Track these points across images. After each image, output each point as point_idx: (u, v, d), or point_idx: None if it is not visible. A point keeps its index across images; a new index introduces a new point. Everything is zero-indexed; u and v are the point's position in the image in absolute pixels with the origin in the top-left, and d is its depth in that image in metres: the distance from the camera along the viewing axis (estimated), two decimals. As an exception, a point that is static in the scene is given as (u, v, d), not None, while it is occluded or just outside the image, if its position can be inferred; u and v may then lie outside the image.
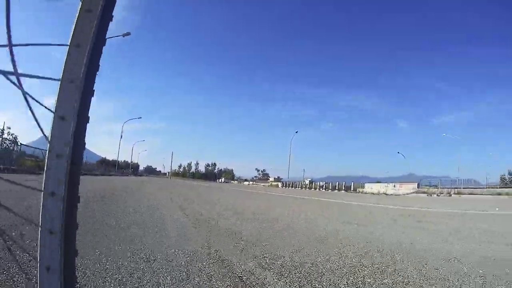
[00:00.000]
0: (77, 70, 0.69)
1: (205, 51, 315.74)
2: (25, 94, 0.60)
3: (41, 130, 0.66)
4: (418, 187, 33.86)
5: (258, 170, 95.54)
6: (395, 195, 31.54)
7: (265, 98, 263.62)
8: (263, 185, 61.16)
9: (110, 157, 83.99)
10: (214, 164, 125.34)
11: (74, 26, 0.71)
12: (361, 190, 39.89)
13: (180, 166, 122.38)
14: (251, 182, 72.91)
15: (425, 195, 28.56)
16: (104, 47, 0.75)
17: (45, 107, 0.67)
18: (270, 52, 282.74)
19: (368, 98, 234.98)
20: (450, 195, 26.85)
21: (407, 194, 31.74)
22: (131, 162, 74.55)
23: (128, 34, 41.38)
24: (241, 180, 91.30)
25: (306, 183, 54.17)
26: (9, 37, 0.55)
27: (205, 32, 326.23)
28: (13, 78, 0.57)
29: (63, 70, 0.70)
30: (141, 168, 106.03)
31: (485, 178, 30.20)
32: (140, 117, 67.70)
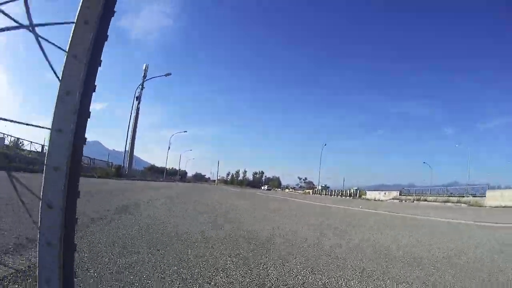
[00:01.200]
0: (74, 82, 0.70)
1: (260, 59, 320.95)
2: (39, 40, 0.61)
3: (53, 70, 0.66)
4: (399, 195, 38.73)
5: (300, 178, 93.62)
6: (380, 200, 37.30)
7: (320, 103, 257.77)
8: (299, 192, 65.28)
9: (160, 164, 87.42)
10: (262, 172, 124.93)
11: (71, 34, 0.71)
12: (364, 196, 46.62)
13: (228, 174, 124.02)
14: (291, 190, 74.37)
15: (397, 201, 34.41)
16: (102, 60, 0.75)
17: (57, 46, 0.80)
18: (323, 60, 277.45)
19: (420, 106, 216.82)
20: (413, 202, 31.65)
21: (387, 200, 37.08)
22: (179, 169, 76.75)
23: (169, 74, 43.24)
24: (284, 188, 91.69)
25: (350, 191, 56.91)
26: None
27: (260, 40, 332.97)
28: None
29: (60, 81, 0.70)
30: (189, 175, 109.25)
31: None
32: (186, 131, 70.05)
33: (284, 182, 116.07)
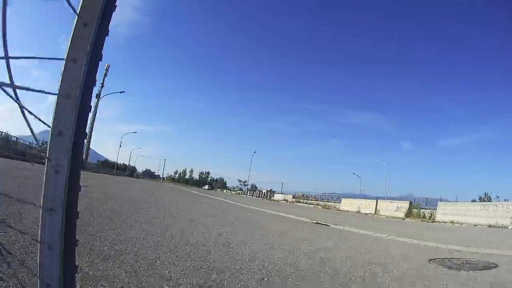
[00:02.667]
0: (74, 85, 0.70)
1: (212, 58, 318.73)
2: (22, 107, 0.60)
3: (36, 140, 0.83)
4: (292, 197, 46.95)
5: (240, 181, 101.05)
6: (277, 200, 45.76)
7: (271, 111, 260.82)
8: (232, 193, 70.32)
9: (112, 158, 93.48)
10: (208, 173, 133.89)
11: (70, 40, 0.72)
12: (272, 198, 54.51)
13: (176, 172, 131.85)
14: (230, 191, 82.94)
15: (285, 201, 41.63)
16: (100, 62, 0.76)
17: (43, 122, 0.68)
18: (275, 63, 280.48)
19: (376, 118, 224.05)
20: (293, 202, 39.86)
21: (281, 200, 45.85)
22: (129, 165, 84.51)
23: (123, 92, 46.31)
24: (227, 189, 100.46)
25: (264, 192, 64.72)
26: (6, 49, 0.55)
27: (213, 38, 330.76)
28: (10, 90, 0.57)
29: (60, 85, 0.70)
30: (139, 171, 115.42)
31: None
32: (136, 132, 78.77)
33: (230, 184, 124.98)
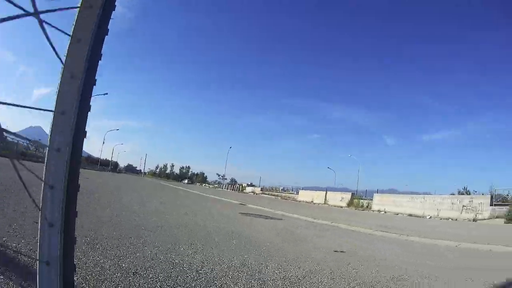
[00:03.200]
0: (78, 64, 0.71)
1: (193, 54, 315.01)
2: (41, 22, 0.67)
3: (56, 54, 0.72)
4: (261, 190, 52.06)
5: (219, 175, 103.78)
6: (247, 192, 49.07)
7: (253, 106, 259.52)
8: (210, 187, 71.39)
9: (94, 153, 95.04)
10: (188, 167, 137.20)
11: (75, 19, 0.72)
12: (245, 190, 59.28)
13: (157, 167, 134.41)
14: (208, 185, 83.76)
15: (253, 193, 46.50)
16: (105, 40, 0.76)
17: (61, 31, 0.74)
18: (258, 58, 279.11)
19: (358, 113, 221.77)
20: (261, 194, 44.76)
21: (250, 192, 50.62)
22: (111, 160, 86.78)
23: (106, 93, 46.03)
24: (207, 183, 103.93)
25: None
26: None
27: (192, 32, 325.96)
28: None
29: (64, 64, 0.70)
30: (121, 166, 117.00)
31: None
32: (118, 129, 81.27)
33: (210, 178, 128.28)
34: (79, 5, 0.71)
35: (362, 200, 26.62)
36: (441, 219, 16.23)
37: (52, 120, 0.71)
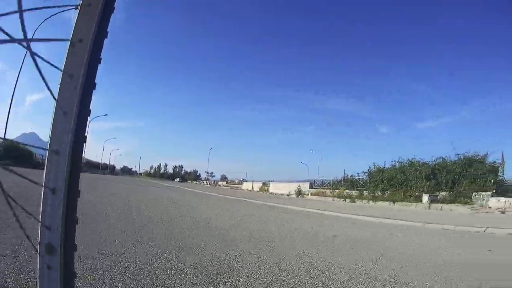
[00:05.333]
0: (78, 64, 0.70)
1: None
2: (33, 55, 0.59)
3: (51, 93, 0.68)
4: (221, 179, 70.22)
5: (207, 173, 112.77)
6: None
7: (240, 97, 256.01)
8: (196, 183, 77.44)
9: (92, 157, 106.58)
10: (181, 166, 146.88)
11: (75, 20, 0.70)
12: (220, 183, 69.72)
13: (151, 168, 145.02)
14: (196, 182, 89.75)
15: (208, 184, 62.77)
16: (106, 41, 0.75)
17: (54, 66, 0.69)
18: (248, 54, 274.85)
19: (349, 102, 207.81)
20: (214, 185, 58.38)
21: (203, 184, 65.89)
22: (109, 163, 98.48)
23: (106, 115, 49.78)
24: (200, 180, 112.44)
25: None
26: (20, 2, 0.54)
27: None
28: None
29: (64, 64, 0.69)
30: (118, 168, 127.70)
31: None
32: (115, 137, 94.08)
33: (203, 176, 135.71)
34: (70, 37, 0.70)
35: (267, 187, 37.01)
36: (282, 194, 27.45)
37: (52, 125, 0.69)
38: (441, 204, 14.03)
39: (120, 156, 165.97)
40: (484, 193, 14.26)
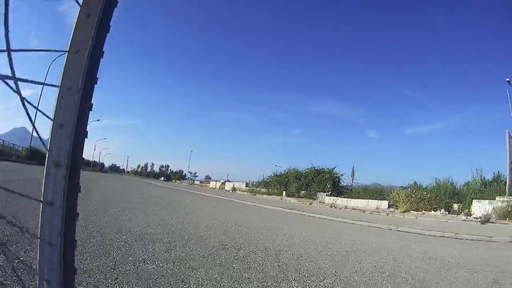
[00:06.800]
0: (76, 77, 0.69)
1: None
2: (23, 99, 0.59)
3: (39, 136, 0.68)
4: (206, 178, 73.84)
5: (191, 173, 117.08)
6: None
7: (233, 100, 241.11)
8: (178, 182, 79.61)
9: (84, 156, 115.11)
10: (167, 166, 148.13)
11: (73, 32, 0.69)
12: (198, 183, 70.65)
13: (138, 166, 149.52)
14: (178, 181, 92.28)
15: (187, 182, 66.01)
16: (103, 54, 0.75)
17: (44, 114, 0.67)
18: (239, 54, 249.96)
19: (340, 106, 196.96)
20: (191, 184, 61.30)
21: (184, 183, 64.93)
22: (99, 161, 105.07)
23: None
24: (185, 179, 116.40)
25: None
26: (8, 41, 0.55)
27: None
28: (11, 82, 0.57)
29: (62, 77, 0.69)
30: (106, 166, 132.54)
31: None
32: (105, 138, 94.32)
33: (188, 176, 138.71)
34: (59, 84, 0.70)
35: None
36: (227, 190, 34.87)
37: (51, 130, 0.68)
38: (294, 198, 22.50)
39: (109, 155, 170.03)
40: (322, 193, 22.01)
